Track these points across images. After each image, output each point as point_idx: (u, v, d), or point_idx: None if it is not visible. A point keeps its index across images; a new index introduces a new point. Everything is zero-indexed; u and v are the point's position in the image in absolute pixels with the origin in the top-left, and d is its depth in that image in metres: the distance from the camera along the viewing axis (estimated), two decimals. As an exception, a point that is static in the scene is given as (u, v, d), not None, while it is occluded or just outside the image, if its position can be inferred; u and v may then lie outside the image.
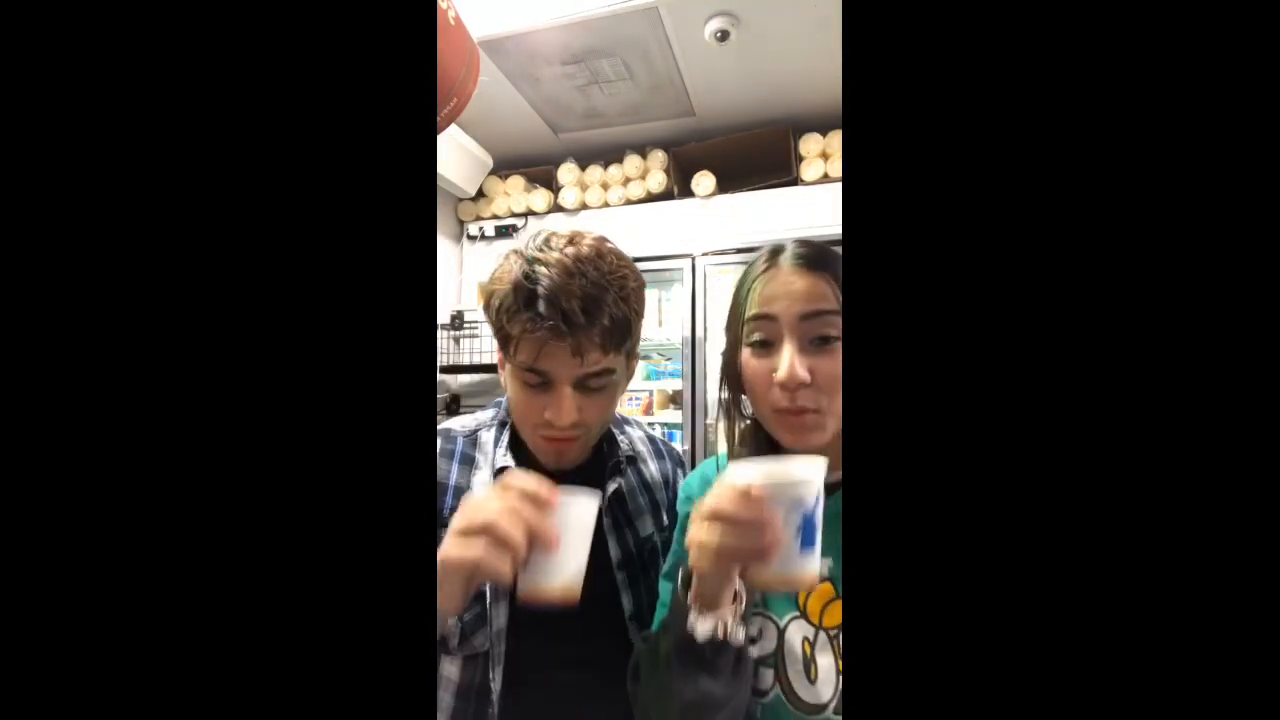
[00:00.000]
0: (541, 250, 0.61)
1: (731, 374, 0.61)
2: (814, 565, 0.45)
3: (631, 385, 0.80)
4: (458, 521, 0.47)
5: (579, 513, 0.49)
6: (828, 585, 0.56)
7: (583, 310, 0.58)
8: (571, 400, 0.60)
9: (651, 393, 2.49)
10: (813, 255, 0.57)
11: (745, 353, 0.57)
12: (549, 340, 0.58)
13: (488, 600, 0.64)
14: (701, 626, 0.48)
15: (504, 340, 0.62)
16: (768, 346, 0.55)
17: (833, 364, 0.53)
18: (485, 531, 0.45)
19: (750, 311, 0.57)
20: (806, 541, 0.45)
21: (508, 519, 0.46)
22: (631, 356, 0.68)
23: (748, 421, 0.63)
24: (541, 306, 0.58)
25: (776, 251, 0.59)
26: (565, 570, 0.48)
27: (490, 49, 1.78)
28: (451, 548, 0.46)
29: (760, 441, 0.61)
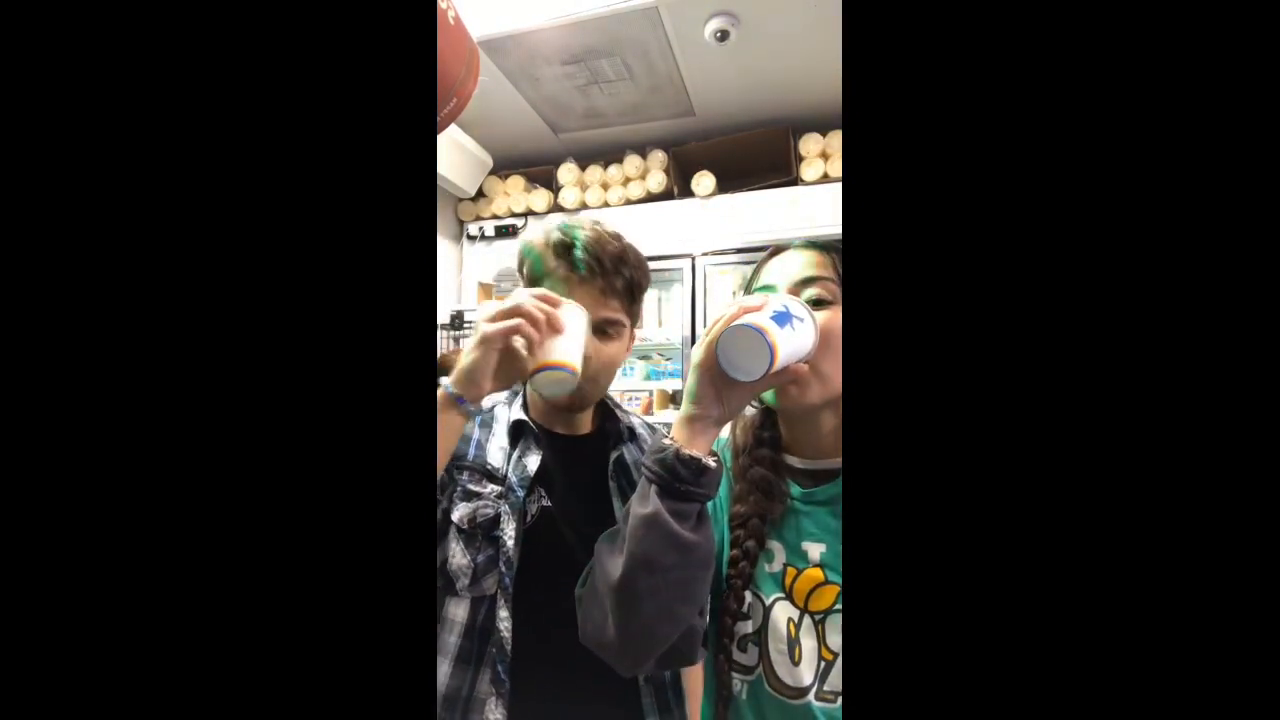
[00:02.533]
0: (572, 223, 0.75)
1: None
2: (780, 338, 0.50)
3: (631, 385, 0.88)
4: (487, 313, 0.61)
5: (576, 315, 0.64)
6: (816, 570, 0.56)
7: (611, 261, 0.72)
8: (591, 339, 0.70)
9: (651, 393, 2.49)
10: (816, 240, 0.61)
11: None
12: (580, 283, 0.71)
13: (503, 542, 0.70)
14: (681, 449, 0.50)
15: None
16: None
17: (824, 323, 0.54)
18: (515, 313, 0.60)
19: (752, 287, 0.60)
20: (779, 320, 0.51)
21: (531, 305, 0.60)
22: (633, 324, 0.79)
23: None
24: (579, 253, 0.71)
25: (785, 245, 0.62)
26: (572, 352, 0.62)
27: (490, 49, 1.78)
28: (488, 327, 0.60)
29: (760, 427, 0.63)
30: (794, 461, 0.61)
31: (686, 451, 0.50)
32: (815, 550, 0.56)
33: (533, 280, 0.74)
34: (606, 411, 0.84)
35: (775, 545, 0.59)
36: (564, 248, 0.72)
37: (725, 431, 0.68)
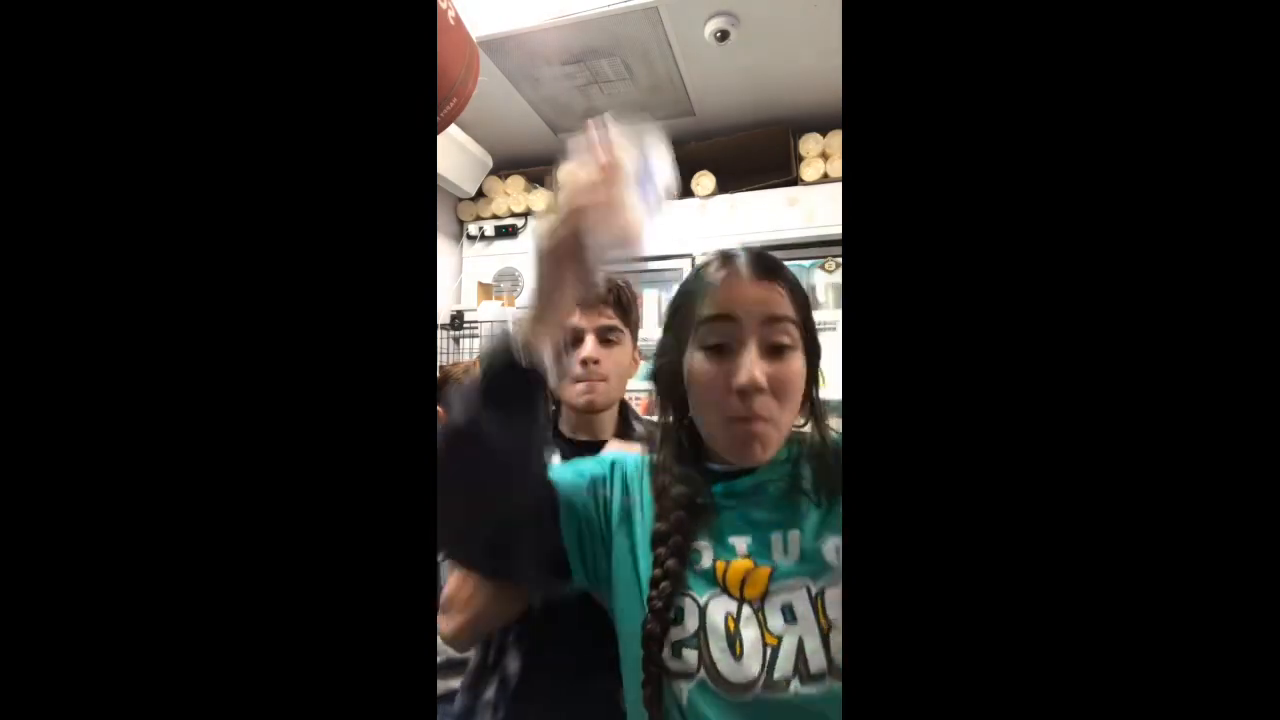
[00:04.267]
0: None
1: (672, 380, 0.60)
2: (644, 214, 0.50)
3: (631, 385, 0.91)
4: None
5: None
6: (747, 560, 0.55)
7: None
8: (595, 344, 0.83)
9: (650, 392, 2.49)
10: (769, 262, 0.58)
11: (697, 357, 0.56)
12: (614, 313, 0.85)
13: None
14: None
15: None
16: (722, 350, 0.55)
17: (786, 372, 0.54)
18: None
19: (707, 312, 0.56)
20: (645, 194, 0.50)
21: None
22: (633, 334, 0.89)
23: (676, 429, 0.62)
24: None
25: (730, 256, 0.59)
26: None
27: (490, 49, 1.78)
28: None
29: (680, 441, 0.61)
30: (715, 467, 0.60)
31: (508, 346, 0.49)
32: (741, 543, 0.56)
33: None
34: (625, 418, 0.91)
35: (702, 544, 0.57)
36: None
37: (641, 449, 0.67)
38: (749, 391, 0.52)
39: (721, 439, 0.56)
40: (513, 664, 0.73)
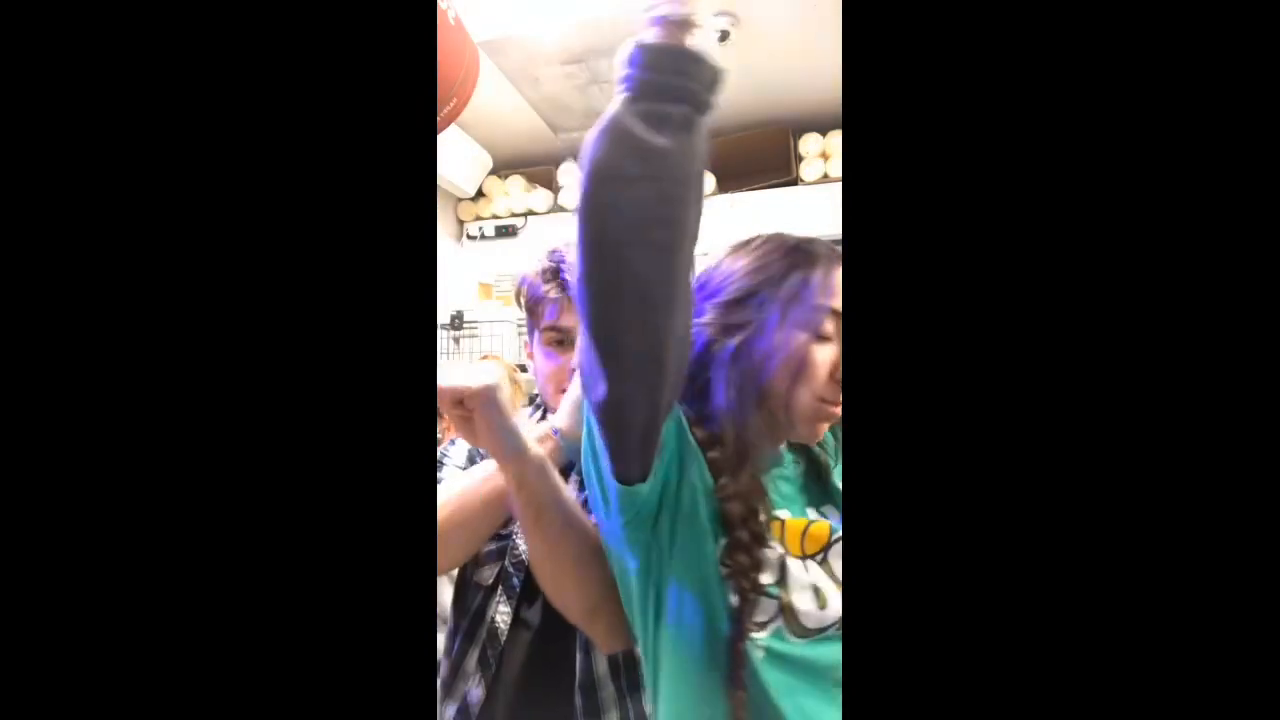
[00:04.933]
0: (564, 254, 0.80)
1: (793, 368, 0.55)
2: None
3: None
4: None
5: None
6: (801, 520, 0.56)
7: None
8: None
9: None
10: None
11: (804, 339, 0.55)
12: (569, 301, 0.74)
13: (514, 539, 0.73)
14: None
15: (533, 314, 0.80)
16: (824, 340, 0.56)
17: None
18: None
19: (829, 304, 0.56)
20: None
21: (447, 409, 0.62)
22: None
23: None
24: (566, 274, 0.76)
25: (818, 246, 0.62)
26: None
27: (490, 50, 1.78)
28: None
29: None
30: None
31: (661, 40, 0.42)
32: (783, 514, 0.57)
33: (530, 306, 0.80)
34: None
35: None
36: (555, 271, 0.78)
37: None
38: (839, 380, 0.55)
39: (806, 419, 0.57)
40: (475, 692, 0.70)
